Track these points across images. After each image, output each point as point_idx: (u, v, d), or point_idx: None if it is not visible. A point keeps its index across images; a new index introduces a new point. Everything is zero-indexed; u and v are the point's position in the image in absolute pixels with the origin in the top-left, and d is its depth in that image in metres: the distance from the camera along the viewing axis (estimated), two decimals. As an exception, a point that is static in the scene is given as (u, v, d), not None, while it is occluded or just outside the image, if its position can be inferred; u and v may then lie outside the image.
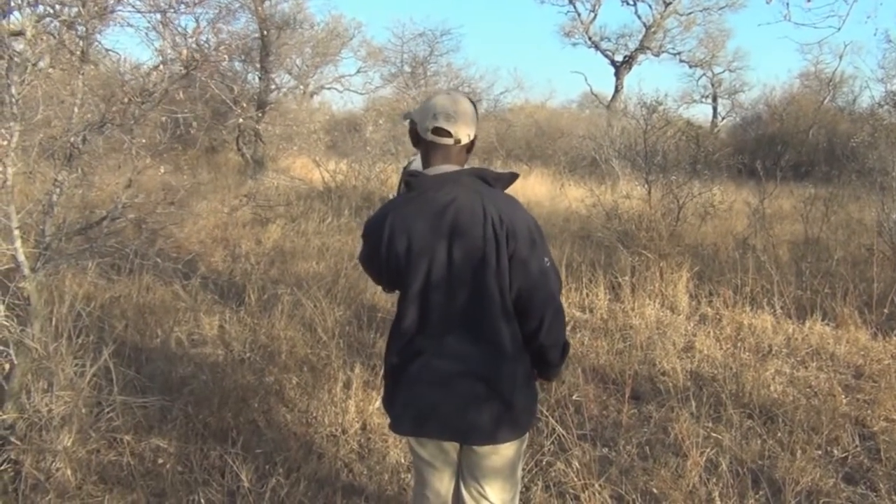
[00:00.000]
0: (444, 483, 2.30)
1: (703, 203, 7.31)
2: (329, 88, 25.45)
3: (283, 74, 22.67)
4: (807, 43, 34.34)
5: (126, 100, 3.62)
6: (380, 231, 2.14)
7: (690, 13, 29.31)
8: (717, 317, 6.29)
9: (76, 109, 3.09)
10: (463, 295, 2.10)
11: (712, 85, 31.96)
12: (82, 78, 3.19)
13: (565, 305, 5.84)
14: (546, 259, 2.16)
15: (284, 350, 4.41)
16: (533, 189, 16.27)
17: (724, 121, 31.47)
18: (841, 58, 28.50)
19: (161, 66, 3.55)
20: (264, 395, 4.07)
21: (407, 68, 22.90)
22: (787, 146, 24.30)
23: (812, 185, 10.89)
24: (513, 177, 2.28)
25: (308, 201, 11.69)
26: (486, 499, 2.24)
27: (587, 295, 6.58)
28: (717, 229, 8.97)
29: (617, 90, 30.12)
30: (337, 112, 26.46)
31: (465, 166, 2.25)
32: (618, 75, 30.33)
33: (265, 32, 18.20)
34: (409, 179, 2.17)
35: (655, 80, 43.81)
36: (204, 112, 20.41)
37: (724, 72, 31.41)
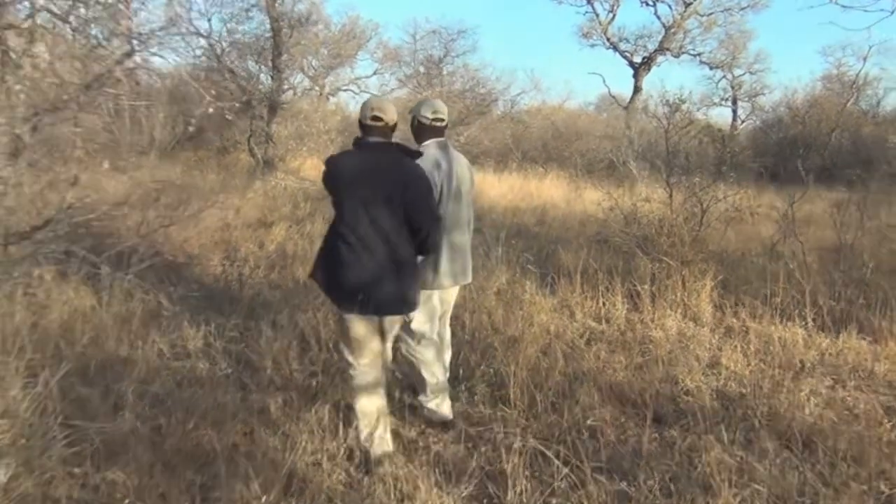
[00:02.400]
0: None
1: (729, 207, 6.85)
2: (345, 90, 25.21)
3: (298, 75, 22.44)
4: (853, 28, 33.30)
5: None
6: (332, 164, 3.52)
7: (711, 13, 28.71)
8: (744, 329, 5.86)
9: (22, 97, 2.72)
10: (378, 213, 3.37)
11: (732, 87, 31.30)
12: (30, 61, 2.82)
13: (580, 315, 5.32)
14: (431, 199, 3.55)
15: (270, 365, 4.03)
16: (549, 191, 15.84)
17: (744, 124, 30.81)
18: (865, 60, 27.72)
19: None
20: (247, 416, 3.70)
21: (422, 68, 22.52)
22: (809, 149, 23.71)
23: (841, 189, 10.42)
24: (417, 154, 3.65)
25: (315, 203, 11.34)
26: None
27: (604, 304, 6.16)
28: (742, 235, 8.51)
29: (635, 91, 29.57)
30: (352, 113, 26.20)
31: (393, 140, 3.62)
32: (636, 77, 29.77)
33: (278, 31, 17.91)
34: (356, 141, 3.56)
35: (674, 82, 43.25)
36: (215, 111, 20.30)
37: (744, 74, 30.75)
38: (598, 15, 30.46)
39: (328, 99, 24.84)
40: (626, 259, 7.15)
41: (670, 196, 7.00)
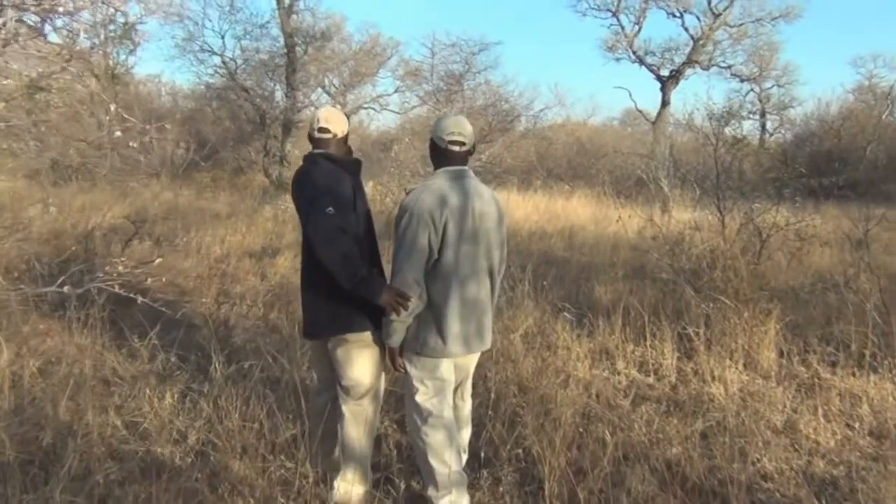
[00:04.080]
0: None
1: (793, 236, 5.93)
2: (366, 108, 24.61)
3: (319, 93, 21.90)
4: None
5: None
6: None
7: (742, 24, 27.72)
8: (817, 381, 4.95)
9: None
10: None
11: (760, 101, 30.19)
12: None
13: (622, 365, 4.39)
14: (313, 212, 3.04)
15: (238, 450, 3.19)
16: (576, 211, 15.00)
17: (773, 137, 29.66)
18: (899, 70, 26.59)
19: None
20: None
21: (442, 84, 21.81)
22: (844, 163, 22.61)
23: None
24: (350, 163, 3.31)
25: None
26: None
27: (650, 351, 5.28)
28: (799, 265, 7.58)
29: (663, 105, 28.60)
30: (372, 131, 25.60)
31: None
32: (664, 90, 28.79)
33: (292, 48, 17.30)
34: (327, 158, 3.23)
35: (698, 96, 41.94)
36: (230, 131, 19.73)
37: (772, 87, 29.63)
38: (623, 27, 29.59)
39: (349, 117, 24.25)
40: (671, 295, 6.27)
41: (722, 223, 6.11)
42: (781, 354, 5.34)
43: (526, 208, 14.69)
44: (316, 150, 3.24)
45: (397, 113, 24.58)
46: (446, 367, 3.12)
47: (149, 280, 5.80)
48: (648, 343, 5.32)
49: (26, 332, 4.54)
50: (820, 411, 4.36)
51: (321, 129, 3.21)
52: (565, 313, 5.80)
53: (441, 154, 3.11)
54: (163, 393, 3.80)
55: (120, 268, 4.84)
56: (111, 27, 23.98)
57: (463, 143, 3.09)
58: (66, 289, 4.62)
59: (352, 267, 2.94)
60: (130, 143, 6.38)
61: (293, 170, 13.14)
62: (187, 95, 22.29)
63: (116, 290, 4.49)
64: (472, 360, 3.34)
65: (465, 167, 3.13)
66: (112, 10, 21.43)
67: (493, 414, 4.07)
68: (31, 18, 6.91)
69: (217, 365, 3.89)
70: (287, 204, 12.93)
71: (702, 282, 5.81)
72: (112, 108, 5.54)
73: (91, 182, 14.41)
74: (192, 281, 7.27)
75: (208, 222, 10.43)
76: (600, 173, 20.80)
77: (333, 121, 3.24)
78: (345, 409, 3.21)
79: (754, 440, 3.94)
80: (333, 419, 3.29)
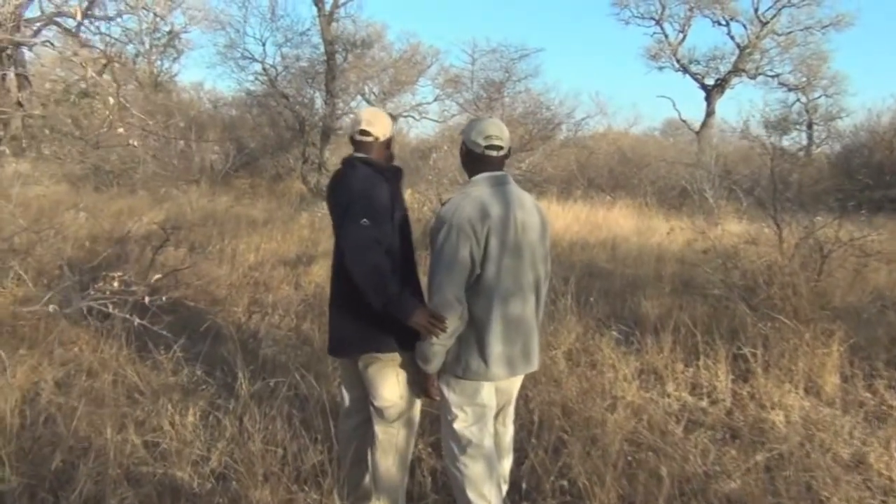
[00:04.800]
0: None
1: (856, 251, 5.54)
2: (406, 116, 24.56)
3: (360, 101, 21.87)
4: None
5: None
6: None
7: (790, 32, 27.01)
8: (885, 410, 4.57)
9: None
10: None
11: (807, 111, 29.29)
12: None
13: (672, 387, 4.17)
14: (355, 222, 2.75)
15: (260, 477, 2.95)
16: (618, 222, 14.60)
17: (819, 148, 28.72)
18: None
19: None
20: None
21: (483, 92, 21.59)
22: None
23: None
24: (390, 169, 3.06)
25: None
26: None
27: (703, 372, 4.95)
28: (860, 283, 7.14)
29: (708, 115, 28.01)
30: (411, 140, 25.46)
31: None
32: (709, 100, 28.24)
33: (332, 55, 17.24)
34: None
35: (753, 103, 40.89)
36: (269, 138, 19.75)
37: (820, 97, 28.69)
38: (667, 36, 29.18)
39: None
40: (724, 312, 5.91)
41: (779, 237, 5.75)
42: (845, 379, 4.97)
43: (566, 218, 14.35)
44: (356, 154, 3.00)
45: (436, 121, 24.46)
46: (487, 392, 2.85)
47: (163, 296, 5.61)
48: (701, 363, 4.99)
49: (50, 341, 4.38)
50: (893, 444, 3.99)
51: (362, 132, 2.98)
52: (613, 331, 5.49)
53: (476, 160, 2.84)
54: (186, 409, 3.60)
55: (115, 283, 4.62)
56: (156, 35, 24.42)
57: (501, 147, 2.82)
58: (51, 308, 4.44)
59: (382, 283, 2.69)
60: (131, 142, 6.18)
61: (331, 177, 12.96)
62: (228, 102, 22.42)
63: (110, 309, 4.24)
64: (516, 384, 3.07)
65: (505, 173, 2.87)
66: (158, 18, 21.67)
67: (536, 441, 3.78)
68: (68, 22, 6.91)
69: (243, 381, 3.67)
70: (323, 211, 12.81)
71: (758, 299, 5.45)
72: (110, 100, 5.27)
73: (130, 188, 14.47)
74: (225, 289, 7.11)
75: (244, 229, 10.32)
76: (643, 183, 20.34)
77: (376, 123, 3.01)
78: (377, 431, 2.97)
79: (821, 476, 3.60)
80: (364, 444, 3.05)
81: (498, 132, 2.82)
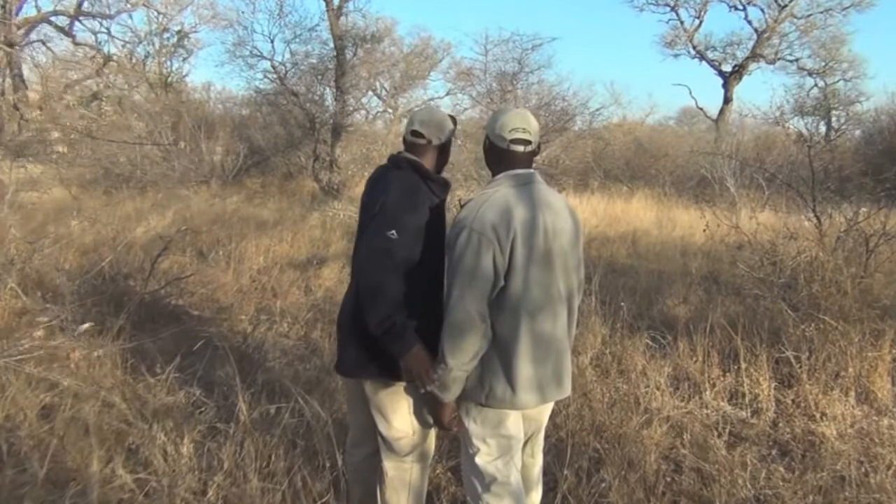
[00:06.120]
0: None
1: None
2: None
3: (371, 97, 21.59)
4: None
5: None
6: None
7: (809, 15, 26.34)
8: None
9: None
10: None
11: (825, 96, 28.55)
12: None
13: (710, 395, 4.47)
14: (380, 231, 2.42)
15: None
16: (637, 214, 14.19)
17: (838, 134, 27.98)
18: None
19: None
20: None
21: (495, 85, 21.16)
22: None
23: None
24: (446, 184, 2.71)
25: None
26: None
27: (742, 379, 4.57)
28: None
29: (726, 102, 27.44)
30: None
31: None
32: (726, 87, 27.65)
33: (341, 50, 16.90)
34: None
35: (758, 93, 40.07)
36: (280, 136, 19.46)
37: (838, 81, 27.92)
38: (682, 22, 28.58)
39: (401, 120, 23.91)
40: (757, 310, 5.53)
41: (820, 231, 5.35)
42: (896, 383, 4.58)
43: (584, 211, 13.94)
44: (404, 153, 2.67)
45: (449, 116, 24.05)
46: (514, 421, 2.50)
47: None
48: (742, 369, 4.61)
49: (40, 357, 4.07)
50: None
51: (414, 133, 2.66)
52: (644, 336, 5.13)
53: (501, 156, 2.48)
54: (181, 437, 3.27)
55: (39, 332, 4.32)
56: (165, 36, 24.20)
57: (528, 142, 2.47)
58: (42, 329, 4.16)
59: (383, 307, 2.37)
60: (137, 141, 5.90)
61: (343, 175, 12.72)
62: (238, 101, 22.19)
63: (31, 368, 3.89)
64: (546, 411, 2.70)
65: (532, 170, 2.51)
66: (163, 17, 21.45)
67: (565, 463, 3.43)
68: (61, 20, 6.63)
69: (242, 405, 3.34)
70: (335, 210, 12.51)
71: (798, 297, 5.06)
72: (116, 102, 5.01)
73: (140, 190, 14.24)
74: (232, 296, 6.80)
75: (253, 231, 10.01)
76: (660, 174, 19.90)
77: (431, 124, 2.67)
78: (387, 467, 2.62)
79: (887, 502, 3.22)
80: (373, 479, 2.71)
81: (524, 124, 2.46)
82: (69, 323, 5.10)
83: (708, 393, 4.49)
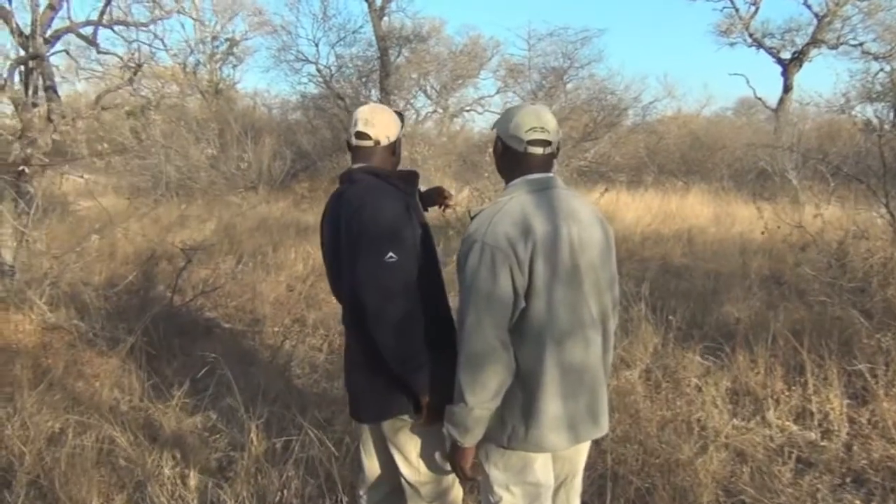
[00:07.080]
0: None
1: None
2: (469, 110, 24.04)
3: (420, 97, 21.45)
4: None
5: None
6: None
7: (875, -3, 25.06)
8: None
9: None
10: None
11: (893, 81, 27.13)
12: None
13: (774, 414, 4.02)
14: (376, 257, 2.11)
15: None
16: (693, 210, 13.60)
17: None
18: None
19: None
20: None
21: (542, 81, 20.73)
22: None
23: None
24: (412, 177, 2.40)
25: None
26: None
27: (811, 396, 4.13)
28: None
29: (786, 91, 26.36)
30: (475, 134, 24.90)
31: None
32: (786, 75, 26.56)
33: (385, 51, 16.74)
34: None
35: (820, 80, 38.30)
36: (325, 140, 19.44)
37: (904, 64, 26.44)
38: (737, 9, 27.54)
39: (452, 119, 23.71)
40: (825, 317, 5.05)
41: (894, 228, 4.85)
42: None
43: (637, 209, 13.43)
44: (354, 166, 2.33)
45: (499, 114, 23.75)
46: (542, 466, 2.15)
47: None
48: (810, 383, 4.16)
49: (57, 376, 3.90)
50: None
51: (358, 135, 2.32)
52: (698, 346, 4.72)
53: (516, 159, 2.12)
54: (187, 472, 3.02)
55: None
56: (215, 44, 24.50)
57: (547, 143, 2.09)
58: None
59: (409, 347, 2.12)
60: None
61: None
62: (285, 106, 22.29)
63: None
64: (583, 452, 2.33)
65: (551, 174, 2.16)
66: (206, 25, 21.59)
67: (607, 499, 3.07)
68: (87, 30, 6.57)
69: (253, 437, 3.08)
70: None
71: (871, 303, 4.58)
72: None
73: (187, 198, 14.30)
74: (268, 304, 6.61)
75: (295, 237, 9.86)
76: (717, 167, 19.17)
77: (376, 122, 2.33)
78: None
79: None
80: None
81: (542, 122, 2.09)
82: (95, 339, 4.97)
83: (771, 412, 4.06)
